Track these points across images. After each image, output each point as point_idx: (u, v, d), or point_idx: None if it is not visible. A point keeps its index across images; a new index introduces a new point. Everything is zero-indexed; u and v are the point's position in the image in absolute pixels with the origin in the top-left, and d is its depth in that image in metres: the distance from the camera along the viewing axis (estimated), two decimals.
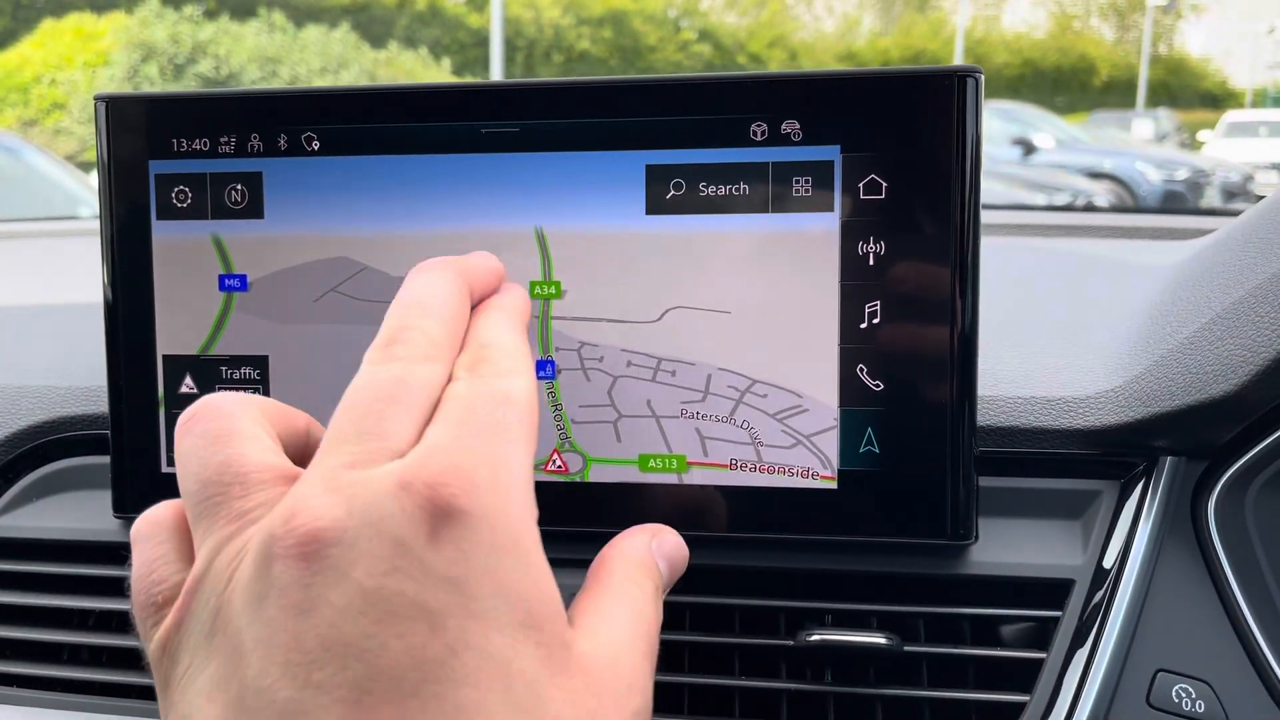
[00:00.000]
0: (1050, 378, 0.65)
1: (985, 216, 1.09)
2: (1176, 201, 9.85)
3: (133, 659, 0.67)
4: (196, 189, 0.65)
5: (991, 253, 0.91)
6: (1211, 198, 10.18)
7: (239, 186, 0.64)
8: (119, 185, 0.65)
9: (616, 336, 0.61)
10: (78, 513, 0.70)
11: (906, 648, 0.59)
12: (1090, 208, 6.73)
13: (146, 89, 9.99)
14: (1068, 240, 1.02)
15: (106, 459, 0.68)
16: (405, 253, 0.62)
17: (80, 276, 1.08)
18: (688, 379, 0.61)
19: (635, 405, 0.61)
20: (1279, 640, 0.58)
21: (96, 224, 1.65)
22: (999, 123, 10.90)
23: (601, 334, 0.61)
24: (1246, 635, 0.58)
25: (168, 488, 0.66)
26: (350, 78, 11.02)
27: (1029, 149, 10.51)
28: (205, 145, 0.64)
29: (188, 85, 10.08)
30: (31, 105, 9.94)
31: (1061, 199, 7.69)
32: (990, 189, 7.40)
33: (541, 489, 0.46)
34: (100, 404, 0.72)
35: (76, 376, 0.74)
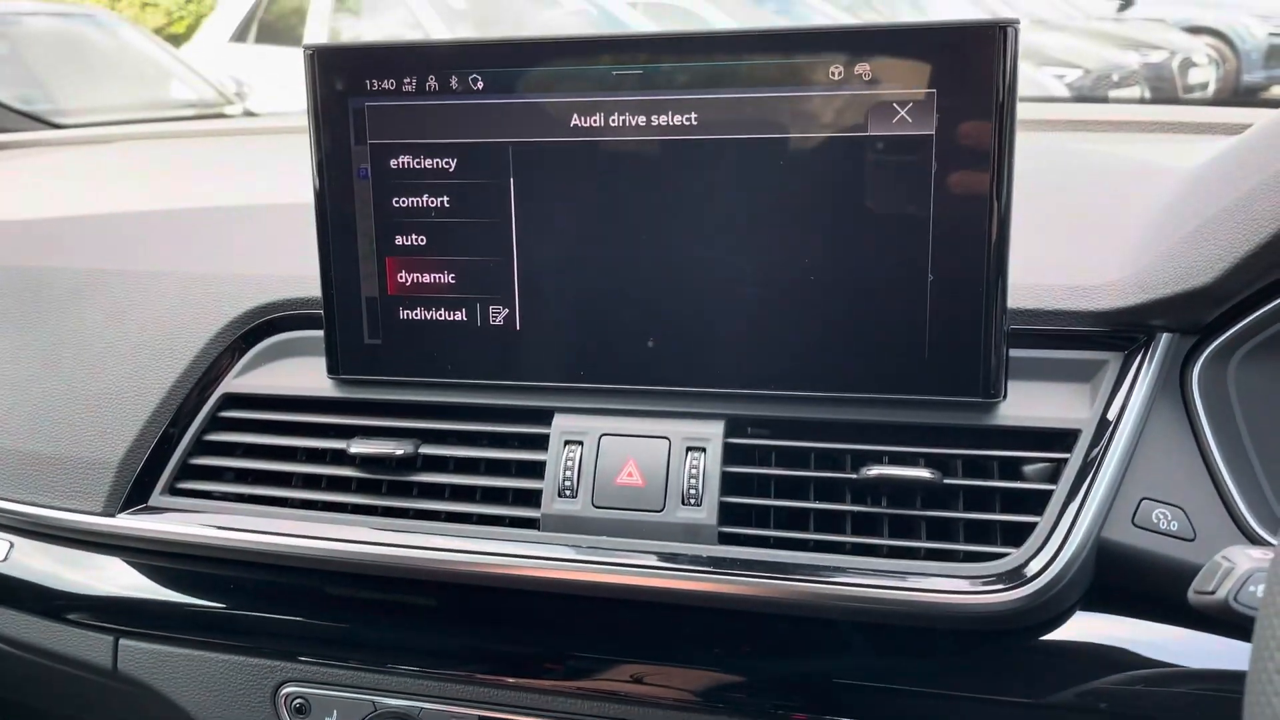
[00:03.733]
0: (1072, 266, 0.79)
1: (1034, 111, 1.20)
2: None
3: (340, 484, 0.87)
4: None
5: (1037, 153, 1.04)
6: None
7: None
8: (325, 117, 0.82)
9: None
10: (298, 375, 0.90)
11: (946, 481, 0.76)
12: (1156, 99, 6.56)
13: None
14: (1114, 136, 1.13)
15: (319, 333, 0.87)
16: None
17: (264, 175, 1.27)
18: None
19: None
20: (1241, 477, 0.73)
21: (244, 123, 1.82)
22: None
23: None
24: (1216, 473, 0.73)
25: (369, 356, 0.85)
26: None
27: (1126, 2, 10.09)
28: (393, 85, 0.80)
29: None
30: None
31: (1156, 57, 7.44)
32: (1080, 48, 7.19)
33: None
34: (307, 289, 0.90)
35: (285, 267, 0.93)
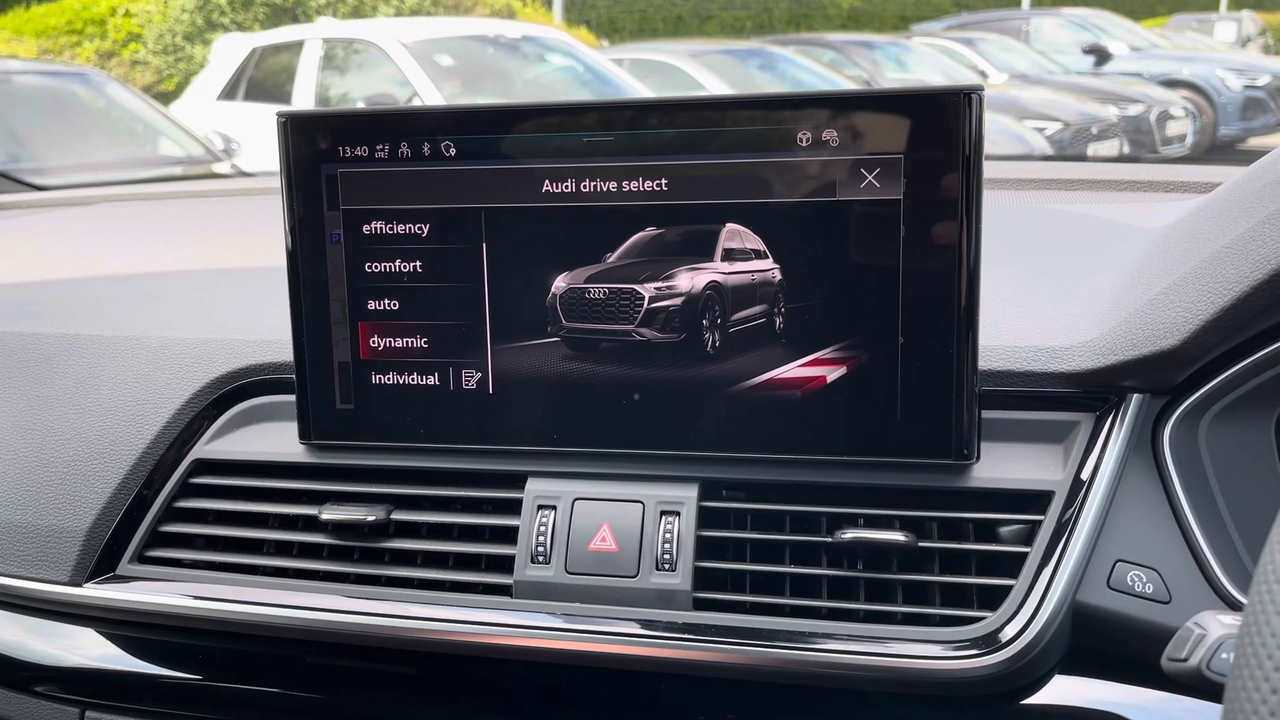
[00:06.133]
0: (1042, 328, 0.80)
1: (1007, 169, 1.21)
2: (1256, 110, 9.53)
3: (312, 551, 0.86)
4: None
5: (1010, 212, 1.05)
6: None
7: None
8: (299, 182, 0.82)
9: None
10: (270, 440, 0.89)
11: (921, 544, 0.75)
12: (1131, 157, 6.67)
13: (217, 18, 10.18)
14: (1086, 195, 1.14)
15: (291, 398, 0.87)
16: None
17: (241, 238, 1.27)
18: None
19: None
20: (1214, 538, 0.73)
21: (225, 184, 1.83)
22: (1070, 31, 10.64)
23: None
24: (1189, 534, 0.73)
25: (341, 421, 0.85)
26: (413, 2, 11.16)
27: (1102, 58, 10.26)
28: (365, 152, 0.81)
29: (256, 14, 10.23)
30: (109, 37, 10.19)
31: (1134, 110, 7.56)
32: (1060, 102, 7.31)
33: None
34: (279, 354, 0.90)
35: (259, 331, 0.93)
